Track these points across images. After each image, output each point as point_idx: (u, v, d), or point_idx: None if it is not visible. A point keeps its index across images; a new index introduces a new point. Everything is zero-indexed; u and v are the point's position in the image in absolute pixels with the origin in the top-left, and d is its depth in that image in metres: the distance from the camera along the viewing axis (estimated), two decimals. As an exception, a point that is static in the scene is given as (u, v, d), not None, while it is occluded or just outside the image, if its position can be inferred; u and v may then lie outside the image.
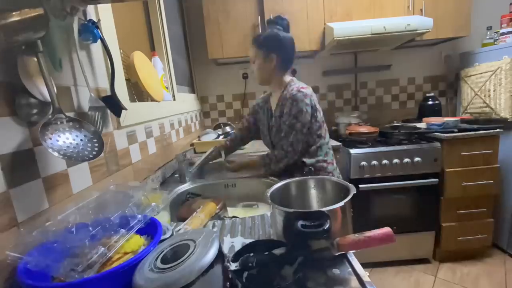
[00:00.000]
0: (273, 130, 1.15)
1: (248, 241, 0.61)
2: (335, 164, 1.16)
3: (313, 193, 0.69)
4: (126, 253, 0.45)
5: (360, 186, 1.64)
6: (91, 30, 0.69)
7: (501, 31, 1.81)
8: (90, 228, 0.46)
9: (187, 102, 1.82)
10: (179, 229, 0.67)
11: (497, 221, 1.78)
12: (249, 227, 0.69)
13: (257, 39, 1.10)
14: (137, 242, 0.48)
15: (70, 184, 0.61)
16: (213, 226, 0.72)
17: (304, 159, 1.10)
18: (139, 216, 0.51)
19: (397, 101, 2.30)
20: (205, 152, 1.27)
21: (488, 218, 1.74)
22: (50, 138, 0.48)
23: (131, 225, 0.49)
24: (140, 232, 0.51)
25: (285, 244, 0.46)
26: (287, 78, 1.14)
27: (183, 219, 0.83)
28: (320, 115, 1.10)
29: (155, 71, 1.26)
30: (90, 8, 0.76)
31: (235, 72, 2.22)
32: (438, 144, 1.65)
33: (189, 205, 0.94)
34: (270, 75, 1.13)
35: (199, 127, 2.11)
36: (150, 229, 0.53)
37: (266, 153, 1.14)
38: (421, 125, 1.84)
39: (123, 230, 0.47)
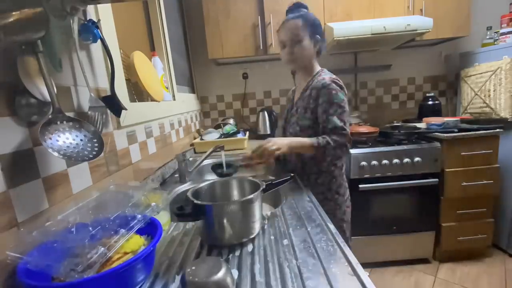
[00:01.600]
0: (291, 121, 1.10)
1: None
2: (343, 170, 1.13)
3: (235, 192, 0.79)
4: (126, 253, 0.45)
5: (360, 186, 1.64)
6: (91, 30, 0.69)
7: (501, 31, 1.81)
8: (90, 228, 0.46)
9: (187, 102, 1.82)
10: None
11: (497, 221, 1.78)
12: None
13: (303, 18, 1.00)
14: (137, 242, 0.48)
15: (70, 184, 0.61)
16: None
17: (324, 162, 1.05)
18: (139, 216, 0.51)
19: (397, 101, 2.30)
20: (205, 152, 1.27)
21: (488, 218, 1.74)
22: (50, 138, 0.48)
23: (131, 225, 0.49)
24: (140, 232, 0.50)
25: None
26: (318, 66, 1.10)
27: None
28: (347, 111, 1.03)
29: (155, 71, 1.26)
30: (90, 8, 0.76)
31: (235, 72, 2.22)
32: (438, 144, 1.65)
33: None
34: (311, 60, 1.07)
35: (199, 127, 2.11)
36: (150, 229, 0.53)
37: (320, 137, 0.98)
38: (421, 125, 1.84)
39: (123, 230, 0.47)
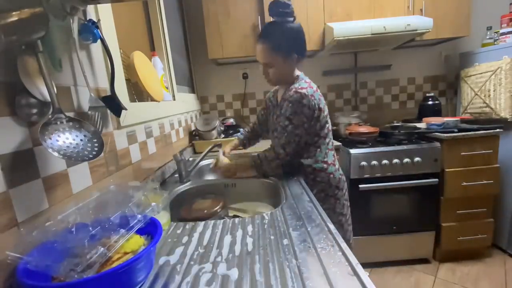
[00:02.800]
0: (274, 123, 1.13)
1: (249, 240, 0.61)
2: (337, 165, 1.13)
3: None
4: (126, 253, 0.45)
5: (360, 186, 1.64)
6: (91, 30, 0.69)
7: (501, 31, 1.81)
8: (90, 228, 0.46)
9: (187, 102, 1.82)
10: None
11: (497, 221, 1.78)
12: (250, 226, 0.69)
13: (271, 40, 0.98)
14: (137, 242, 0.48)
15: (70, 184, 0.61)
16: (214, 225, 0.72)
17: (302, 160, 1.09)
18: (139, 216, 0.51)
19: (397, 101, 2.30)
20: (202, 152, 1.27)
21: (488, 218, 1.74)
22: (50, 138, 0.48)
23: (131, 225, 0.49)
24: (140, 232, 0.50)
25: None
26: (297, 72, 1.09)
27: (183, 219, 0.83)
28: (323, 114, 1.04)
29: (155, 71, 1.26)
30: (90, 8, 0.76)
31: (235, 72, 2.22)
32: (438, 144, 1.65)
33: (190, 206, 0.94)
34: (289, 74, 1.07)
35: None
36: (150, 229, 0.53)
37: (257, 153, 1.09)
38: (421, 125, 1.84)
39: (123, 230, 0.47)
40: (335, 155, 1.14)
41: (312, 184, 1.08)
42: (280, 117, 1.04)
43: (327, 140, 1.09)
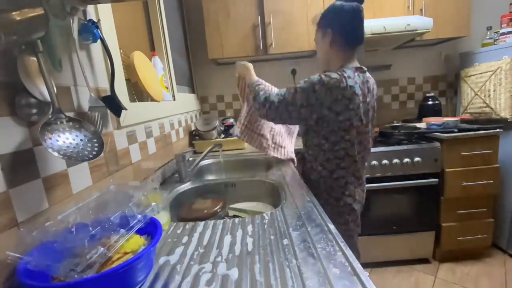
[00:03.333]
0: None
1: (249, 240, 0.61)
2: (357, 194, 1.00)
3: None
4: (126, 253, 0.45)
5: (360, 186, 1.64)
6: (91, 30, 0.69)
7: (501, 31, 1.81)
8: (90, 228, 0.46)
9: (187, 102, 1.82)
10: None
11: (497, 221, 1.78)
12: (250, 226, 0.69)
13: (318, 19, 0.98)
14: (137, 242, 0.48)
15: (70, 184, 0.61)
16: (214, 225, 0.72)
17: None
18: (139, 216, 0.51)
19: (397, 101, 2.30)
20: (202, 152, 1.27)
21: (488, 218, 1.74)
22: (50, 138, 0.48)
23: (131, 225, 0.49)
24: (140, 232, 0.50)
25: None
26: (340, 62, 0.97)
27: (183, 219, 0.83)
28: (358, 111, 0.89)
29: (155, 71, 1.26)
30: (90, 8, 0.76)
31: (235, 72, 2.21)
32: (438, 144, 1.65)
33: (190, 206, 0.94)
34: (328, 55, 0.98)
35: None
36: (150, 229, 0.53)
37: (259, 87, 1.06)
38: (421, 125, 1.84)
39: (123, 230, 0.47)
40: (359, 162, 1.00)
41: (316, 191, 0.97)
42: None
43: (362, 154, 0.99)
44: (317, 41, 1.01)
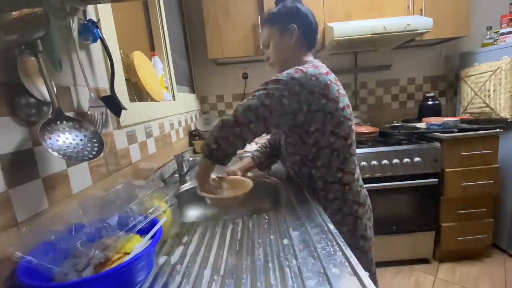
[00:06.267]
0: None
1: (249, 240, 0.61)
2: (356, 175, 0.90)
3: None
4: (126, 253, 0.45)
5: (360, 186, 1.64)
6: (91, 30, 0.69)
7: (501, 31, 1.81)
8: (90, 228, 0.46)
9: (187, 102, 1.82)
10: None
11: (497, 221, 1.78)
12: (250, 226, 0.69)
13: (269, 16, 0.89)
14: (137, 242, 0.48)
15: (70, 184, 0.61)
16: (214, 225, 0.72)
17: (313, 170, 0.86)
18: (140, 217, 0.51)
19: (397, 101, 2.30)
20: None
21: (488, 218, 1.74)
22: (50, 138, 0.48)
23: (131, 225, 0.49)
24: (140, 232, 0.50)
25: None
26: (308, 57, 0.90)
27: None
28: (338, 106, 0.80)
29: (155, 71, 1.26)
30: (90, 8, 0.76)
31: (235, 72, 2.22)
32: (438, 144, 1.65)
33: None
34: (291, 53, 0.89)
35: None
36: (151, 229, 0.52)
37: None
38: (421, 125, 1.84)
39: (123, 231, 0.47)
40: (356, 162, 0.91)
41: (324, 203, 0.86)
42: None
43: (349, 142, 0.85)
44: (272, 39, 0.89)
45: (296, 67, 0.79)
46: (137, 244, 0.47)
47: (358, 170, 0.93)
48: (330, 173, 0.86)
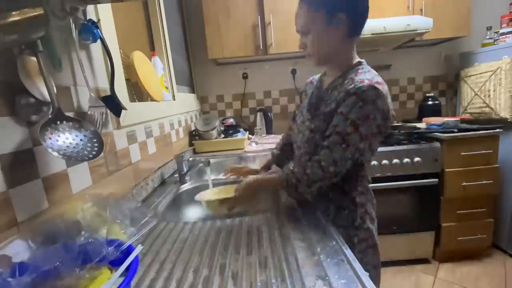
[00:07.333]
0: (312, 124, 0.77)
1: (249, 240, 0.61)
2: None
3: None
4: None
5: (360, 186, 1.64)
6: (91, 30, 0.69)
7: (501, 31, 1.81)
8: (42, 265, 0.35)
9: (187, 102, 1.82)
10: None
11: (497, 221, 1.78)
12: (250, 226, 0.69)
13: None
14: (105, 280, 0.38)
15: (70, 184, 0.61)
16: (214, 225, 0.72)
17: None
18: (110, 248, 0.41)
19: (397, 101, 2.30)
20: (205, 152, 1.27)
21: (488, 218, 1.73)
22: (50, 138, 0.48)
23: (98, 259, 0.39)
24: (114, 263, 0.41)
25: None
26: (356, 56, 0.78)
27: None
28: (388, 125, 0.70)
29: (155, 71, 1.26)
30: (90, 8, 0.76)
31: (235, 72, 2.22)
32: (438, 144, 1.65)
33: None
34: (335, 48, 0.74)
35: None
36: (125, 258, 0.41)
37: (291, 168, 0.74)
38: (421, 125, 1.84)
39: (86, 265, 0.38)
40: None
41: (334, 217, 0.78)
42: (335, 116, 0.69)
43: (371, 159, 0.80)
44: (314, 28, 0.72)
45: (370, 83, 0.65)
46: (104, 284, 0.37)
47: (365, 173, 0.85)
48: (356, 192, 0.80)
